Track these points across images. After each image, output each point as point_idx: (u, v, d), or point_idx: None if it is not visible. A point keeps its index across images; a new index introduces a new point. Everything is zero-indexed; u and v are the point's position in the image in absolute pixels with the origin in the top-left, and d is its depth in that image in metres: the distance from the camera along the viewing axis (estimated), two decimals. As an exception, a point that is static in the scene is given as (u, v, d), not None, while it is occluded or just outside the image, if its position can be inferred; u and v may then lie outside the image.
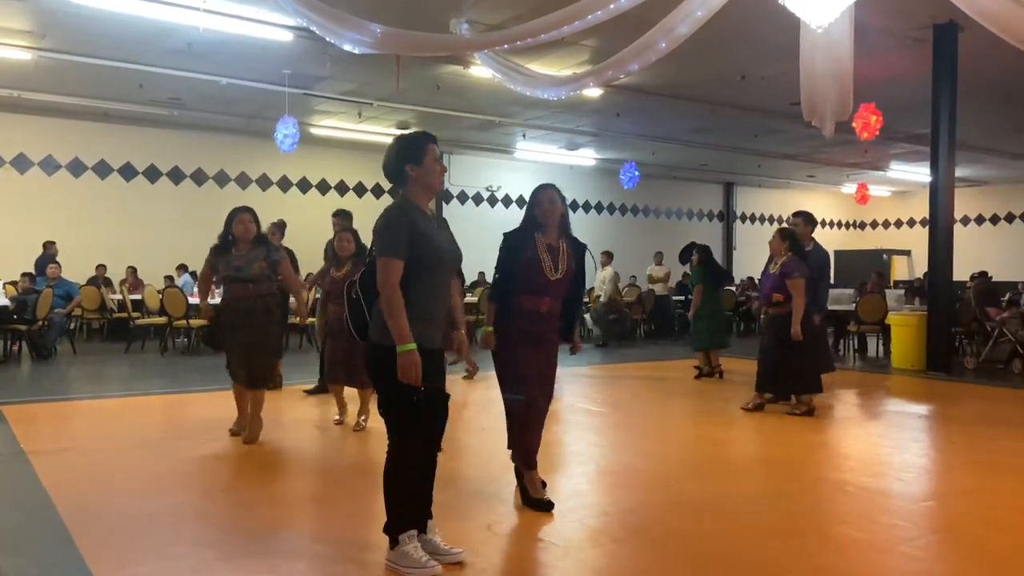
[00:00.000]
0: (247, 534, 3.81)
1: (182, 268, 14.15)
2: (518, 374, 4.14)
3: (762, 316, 7.71)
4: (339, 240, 6.26)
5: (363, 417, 6.18)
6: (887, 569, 3.48)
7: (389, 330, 3.11)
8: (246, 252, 5.58)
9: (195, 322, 10.88)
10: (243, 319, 5.56)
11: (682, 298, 16.35)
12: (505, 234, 4.23)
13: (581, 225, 20.81)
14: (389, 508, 3.31)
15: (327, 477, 5.01)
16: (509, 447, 4.26)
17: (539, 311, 4.11)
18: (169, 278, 13.98)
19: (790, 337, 6.68)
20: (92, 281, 13.42)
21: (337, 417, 6.39)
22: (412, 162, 3.31)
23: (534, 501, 4.19)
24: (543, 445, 5.60)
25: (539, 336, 4.15)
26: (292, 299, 6.74)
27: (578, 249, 4.27)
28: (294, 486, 4.82)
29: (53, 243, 12.72)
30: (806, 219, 7.73)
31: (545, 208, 4.13)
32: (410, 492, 3.34)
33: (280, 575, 3.35)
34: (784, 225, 8.10)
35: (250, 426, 5.67)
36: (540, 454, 5.39)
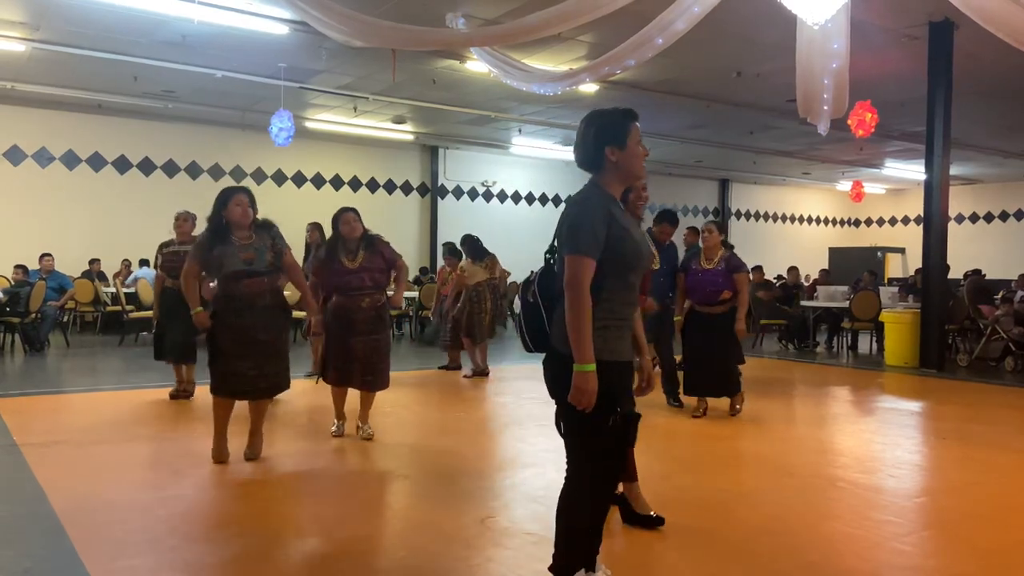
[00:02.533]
0: (241, 526, 3.81)
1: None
2: (625, 384, 3.97)
3: (690, 315, 6.73)
4: (345, 222, 5.53)
5: (368, 425, 5.70)
6: (878, 564, 3.49)
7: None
8: (252, 241, 4.81)
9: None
10: (257, 319, 4.77)
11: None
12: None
13: (576, 221, 20.81)
14: (561, 544, 2.82)
15: (330, 476, 5.00)
16: None
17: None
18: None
19: (733, 335, 6.47)
20: (86, 274, 13.37)
21: (335, 429, 5.77)
22: (614, 144, 2.75)
23: (643, 518, 3.84)
24: (534, 440, 5.60)
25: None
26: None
27: None
28: (291, 479, 4.81)
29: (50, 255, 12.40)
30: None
31: None
32: (587, 526, 2.87)
33: (274, 566, 3.35)
34: (711, 221, 7.47)
35: (252, 441, 5.04)
36: (532, 450, 5.41)
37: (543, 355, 2.83)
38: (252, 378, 4.78)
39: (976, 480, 4.94)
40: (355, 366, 5.49)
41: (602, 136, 2.77)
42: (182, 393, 7.14)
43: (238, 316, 4.76)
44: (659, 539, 3.74)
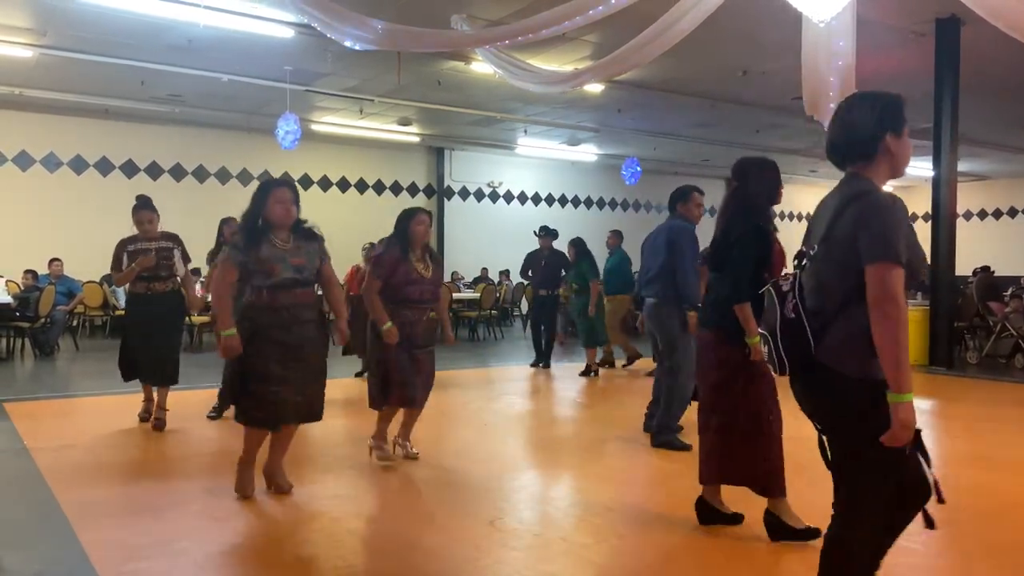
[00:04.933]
0: (251, 529, 3.82)
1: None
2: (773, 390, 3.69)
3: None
4: (420, 222, 4.93)
5: (409, 442, 5.22)
6: (888, 564, 3.47)
7: (875, 361, 2.18)
8: (297, 244, 4.18)
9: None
10: (305, 335, 4.14)
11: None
12: (761, 228, 3.68)
13: (582, 221, 20.88)
14: None
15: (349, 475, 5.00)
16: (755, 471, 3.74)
17: None
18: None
19: None
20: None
21: (382, 453, 5.05)
22: (894, 131, 2.36)
23: (801, 531, 3.63)
24: (543, 442, 5.59)
25: None
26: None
27: None
28: (299, 482, 4.82)
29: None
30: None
31: None
32: None
33: (286, 569, 3.35)
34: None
35: (280, 474, 4.44)
36: (541, 451, 5.40)
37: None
38: (295, 404, 4.15)
39: (987, 479, 4.91)
40: (419, 380, 4.96)
41: (883, 120, 2.34)
42: (155, 421, 6.03)
43: (286, 332, 4.09)
44: (670, 539, 3.72)
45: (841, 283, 2.28)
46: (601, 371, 9.51)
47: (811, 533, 3.58)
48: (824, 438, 2.39)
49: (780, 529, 3.67)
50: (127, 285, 6.06)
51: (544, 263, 9.72)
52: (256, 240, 4.08)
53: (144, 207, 6.07)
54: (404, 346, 4.85)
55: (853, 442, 2.28)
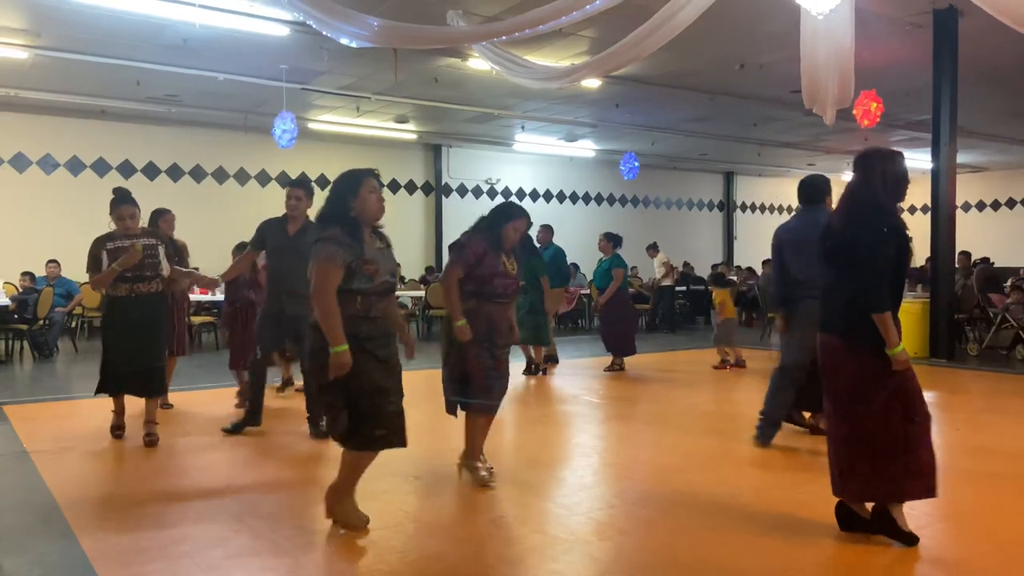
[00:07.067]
0: (253, 533, 3.80)
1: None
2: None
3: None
4: (513, 229, 4.51)
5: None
6: (897, 557, 3.47)
7: None
8: (380, 246, 3.70)
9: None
10: (391, 350, 3.68)
11: (684, 288, 16.34)
12: (897, 230, 3.48)
13: (581, 217, 20.87)
14: None
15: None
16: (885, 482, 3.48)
17: None
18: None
19: None
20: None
21: (486, 473, 4.52)
22: None
23: (909, 535, 3.51)
24: (545, 439, 5.57)
25: None
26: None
27: None
28: (303, 487, 4.80)
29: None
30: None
31: None
32: None
33: (288, 573, 3.33)
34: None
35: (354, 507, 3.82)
36: (543, 447, 5.37)
37: None
38: (401, 426, 3.67)
39: (991, 470, 4.90)
40: (501, 384, 4.49)
41: None
42: (146, 438, 5.47)
43: (386, 345, 3.62)
44: (674, 536, 3.70)
45: None
46: (552, 368, 9.35)
47: (912, 539, 3.47)
48: None
49: (886, 525, 3.51)
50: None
51: None
52: (359, 236, 3.54)
53: (125, 201, 5.45)
54: (486, 345, 4.35)
55: None
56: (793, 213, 6.28)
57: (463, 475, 4.58)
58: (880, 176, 3.52)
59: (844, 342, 3.53)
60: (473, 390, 4.37)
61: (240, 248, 7.30)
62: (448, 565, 3.39)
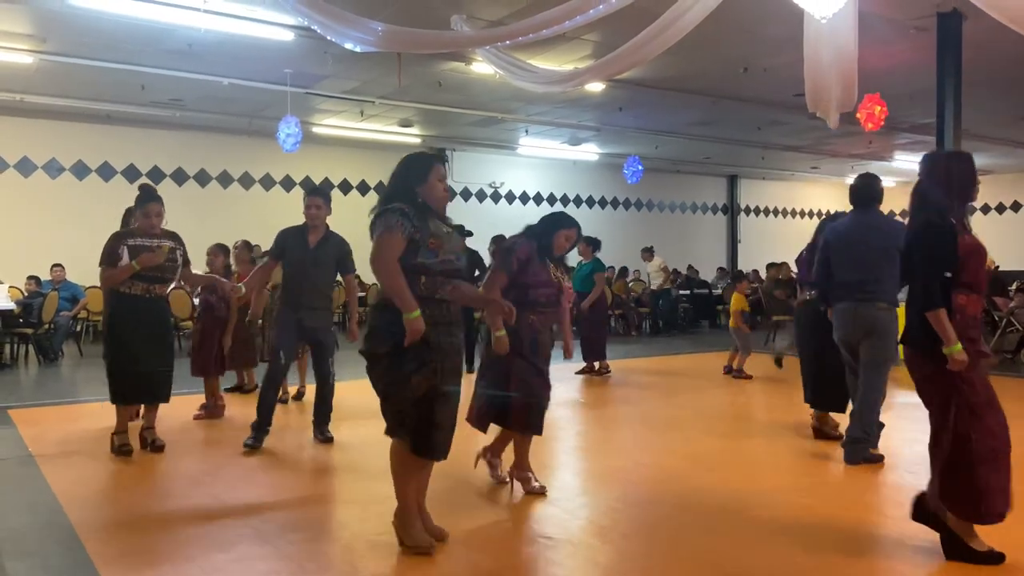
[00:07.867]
0: (260, 537, 3.80)
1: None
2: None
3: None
4: (565, 238, 4.39)
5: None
6: (899, 562, 3.46)
7: None
8: (448, 228, 3.52)
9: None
10: (456, 341, 3.48)
11: (688, 292, 16.33)
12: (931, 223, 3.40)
13: (584, 220, 20.74)
14: None
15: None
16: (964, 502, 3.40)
17: None
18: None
19: None
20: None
21: (538, 485, 4.43)
22: None
23: (983, 554, 3.40)
24: (545, 442, 5.54)
25: None
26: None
27: None
28: (308, 491, 4.80)
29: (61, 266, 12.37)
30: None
31: None
32: None
33: (288, 569, 3.34)
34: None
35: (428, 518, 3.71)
36: (543, 450, 5.34)
37: None
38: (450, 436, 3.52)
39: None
40: (545, 401, 4.32)
41: None
42: (153, 445, 5.42)
43: (451, 334, 3.39)
44: (677, 539, 3.70)
45: None
46: None
47: (995, 557, 3.37)
48: None
49: (957, 549, 3.40)
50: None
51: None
52: (425, 215, 3.37)
53: (152, 198, 5.31)
54: (530, 359, 4.19)
55: None
56: (831, 214, 6.06)
57: (513, 485, 4.47)
58: (936, 177, 3.47)
59: (910, 349, 3.53)
60: (513, 408, 4.17)
61: (220, 250, 7.26)
62: (450, 567, 3.39)
